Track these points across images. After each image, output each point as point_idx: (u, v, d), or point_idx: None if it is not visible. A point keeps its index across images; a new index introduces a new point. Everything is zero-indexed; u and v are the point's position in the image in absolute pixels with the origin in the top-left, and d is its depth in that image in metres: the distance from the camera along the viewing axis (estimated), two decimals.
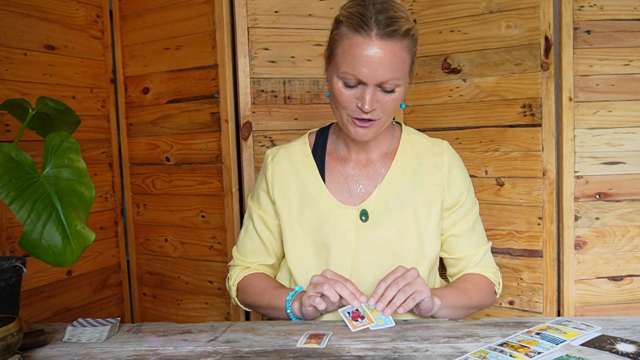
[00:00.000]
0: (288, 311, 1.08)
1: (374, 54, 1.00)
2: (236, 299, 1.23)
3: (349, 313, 1.00)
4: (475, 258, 1.18)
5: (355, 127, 1.07)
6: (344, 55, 1.03)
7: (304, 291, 1.06)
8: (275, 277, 1.26)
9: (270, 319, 1.20)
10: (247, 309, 1.23)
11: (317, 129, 1.27)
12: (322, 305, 0.99)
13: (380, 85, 1.03)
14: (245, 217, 1.27)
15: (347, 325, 0.98)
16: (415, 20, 1.94)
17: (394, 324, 0.98)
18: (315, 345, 0.92)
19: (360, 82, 1.03)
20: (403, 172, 1.16)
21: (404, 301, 0.98)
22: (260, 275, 1.22)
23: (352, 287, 1.01)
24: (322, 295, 1.00)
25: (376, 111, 1.05)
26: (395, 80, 1.02)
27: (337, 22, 1.07)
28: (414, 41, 1.06)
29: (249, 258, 1.24)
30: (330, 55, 1.08)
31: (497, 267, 1.23)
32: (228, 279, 1.26)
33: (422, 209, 1.14)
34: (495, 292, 1.21)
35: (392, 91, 1.04)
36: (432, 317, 1.09)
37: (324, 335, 0.95)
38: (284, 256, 1.26)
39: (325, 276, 1.03)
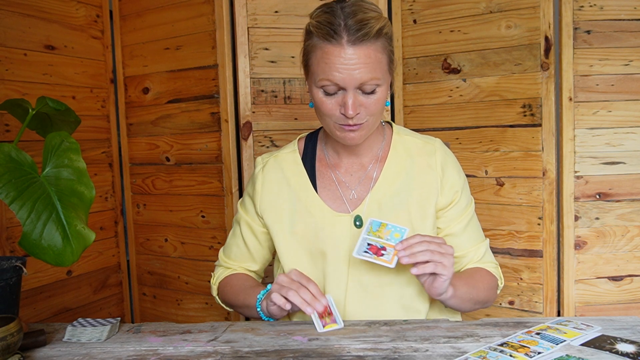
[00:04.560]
0: (258, 309, 1.09)
1: (348, 60, 0.99)
2: (217, 297, 1.25)
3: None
4: (476, 255, 1.17)
5: (344, 133, 1.06)
6: (319, 65, 1.02)
7: None
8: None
9: (247, 318, 1.21)
10: (228, 309, 1.25)
11: (306, 134, 1.26)
12: (287, 306, 1.00)
13: (360, 88, 1.02)
14: (234, 219, 1.27)
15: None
16: (415, 20, 1.94)
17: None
18: (335, 326, 0.99)
19: (340, 88, 1.02)
20: (395, 175, 1.15)
21: (425, 262, 0.97)
22: (240, 275, 1.23)
23: (315, 289, 1.01)
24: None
25: (361, 115, 1.04)
26: (374, 80, 1.01)
27: (308, 33, 1.05)
28: (388, 39, 1.05)
29: (233, 261, 1.25)
30: (306, 66, 1.08)
31: (496, 262, 1.22)
32: (212, 276, 1.27)
33: (417, 210, 1.13)
34: (497, 286, 1.19)
35: (373, 92, 1.03)
36: (439, 301, 1.08)
37: (329, 307, 1.00)
38: (270, 264, 1.27)
39: (291, 278, 1.03)
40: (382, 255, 0.99)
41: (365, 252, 1.00)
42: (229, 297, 1.20)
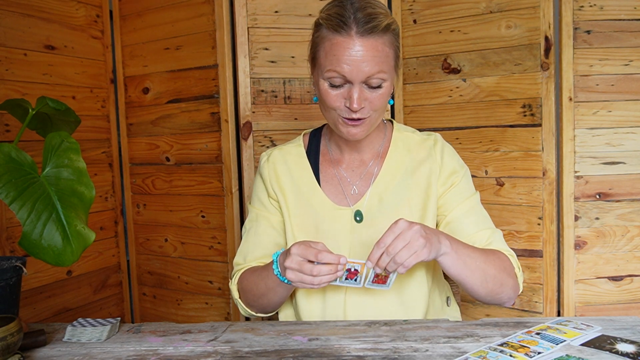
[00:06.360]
0: (281, 279, 1.02)
1: (356, 51, 1.00)
2: (241, 302, 1.17)
3: (345, 278, 0.98)
4: (481, 240, 1.12)
5: (347, 127, 1.07)
6: (327, 56, 1.03)
7: (286, 251, 1.01)
8: None
9: (270, 318, 1.19)
10: (258, 314, 1.17)
11: (311, 130, 1.27)
12: (316, 286, 0.97)
13: (366, 82, 1.02)
14: (246, 224, 1.23)
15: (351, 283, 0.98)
16: (415, 20, 1.94)
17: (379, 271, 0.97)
18: (382, 284, 0.99)
19: (346, 81, 1.03)
20: (396, 170, 1.16)
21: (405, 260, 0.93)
22: (253, 267, 1.16)
23: (330, 257, 0.95)
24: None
25: (365, 109, 1.04)
26: (381, 74, 1.02)
27: (317, 25, 1.07)
28: (395, 36, 1.06)
29: (252, 261, 1.19)
30: (314, 59, 1.09)
31: (513, 253, 1.15)
32: (230, 284, 1.21)
33: (417, 205, 1.13)
34: (515, 275, 1.12)
35: (379, 87, 1.04)
36: (440, 262, 1.01)
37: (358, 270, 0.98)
38: None
39: (299, 265, 0.96)
40: (377, 278, 0.98)
41: (373, 281, 0.99)
42: (252, 291, 1.12)
